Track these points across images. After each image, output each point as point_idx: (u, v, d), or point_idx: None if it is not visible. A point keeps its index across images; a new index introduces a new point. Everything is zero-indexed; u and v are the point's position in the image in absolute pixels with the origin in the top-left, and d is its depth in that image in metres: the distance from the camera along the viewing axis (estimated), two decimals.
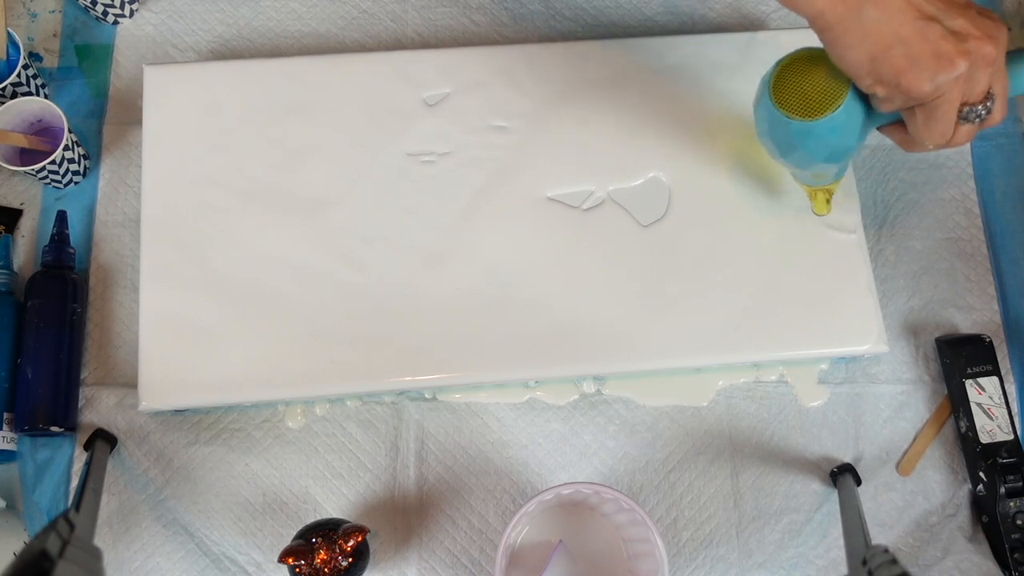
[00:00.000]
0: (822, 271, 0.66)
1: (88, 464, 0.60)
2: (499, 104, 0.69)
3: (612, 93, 0.69)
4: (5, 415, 0.64)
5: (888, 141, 0.75)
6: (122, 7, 0.74)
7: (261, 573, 0.63)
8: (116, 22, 0.76)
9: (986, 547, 0.65)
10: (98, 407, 0.66)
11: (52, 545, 0.45)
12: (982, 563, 0.65)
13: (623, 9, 0.78)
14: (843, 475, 0.65)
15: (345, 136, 0.68)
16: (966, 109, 0.51)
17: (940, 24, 0.48)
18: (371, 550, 0.59)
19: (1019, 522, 0.64)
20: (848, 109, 0.54)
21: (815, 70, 0.54)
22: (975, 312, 0.71)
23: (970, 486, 0.67)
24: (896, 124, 0.56)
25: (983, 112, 0.51)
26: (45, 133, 0.70)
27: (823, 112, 0.54)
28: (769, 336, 0.64)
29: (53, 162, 0.66)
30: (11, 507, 0.64)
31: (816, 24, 0.50)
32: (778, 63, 0.56)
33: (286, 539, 0.62)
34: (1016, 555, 0.63)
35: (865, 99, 0.54)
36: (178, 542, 0.64)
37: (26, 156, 0.69)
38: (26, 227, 0.71)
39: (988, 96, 0.51)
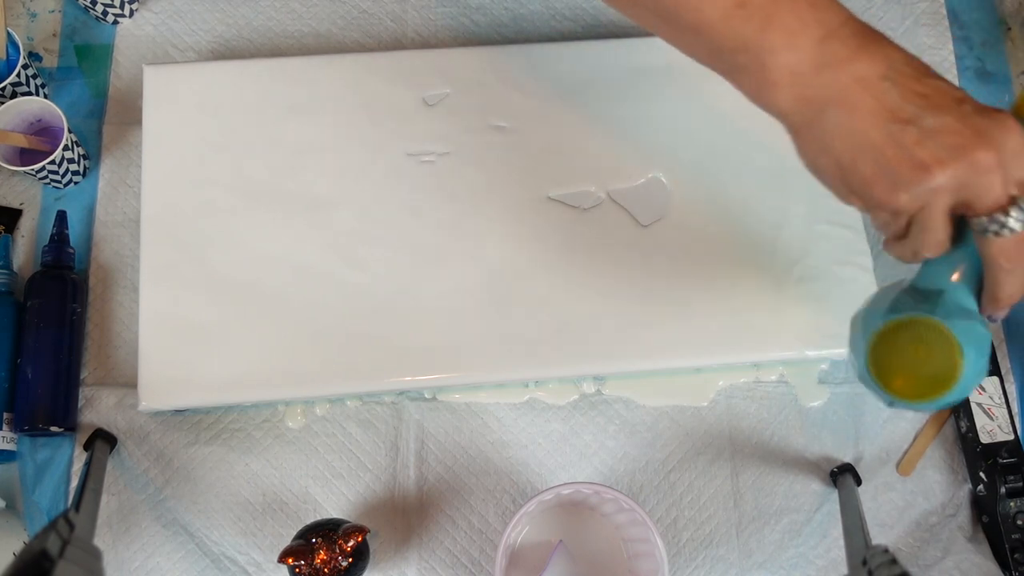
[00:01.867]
0: (822, 271, 0.66)
1: (88, 464, 0.60)
2: (499, 104, 0.69)
3: (612, 93, 0.69)
4: (5, 415, 0.64)
5: None
6: (122, 7, 0.74)
7: (261, 573, 0.63)
8: (116, 22, 0.76)
9: (986, 547, 0.65)
10: (98, 407, 0.66)
11: (52, 545, 0.45)
12: (982, 563, 0.65)
13: None
14: (843, 475, 0.65)
15: (345, 136, 0.68)
16: (980, 222, 0.42)
17: (917, 127, 0.41)
18: (371, 550, 0.59)
19: (1019, 522, 0.64)
20: (964, 379, 0.46)
21: (919, 345, 0.46)
22: None
23: (970, 486, 0.67)
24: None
25: (1008, 221, 0.42)
26: (45, 133, 0.70)
27: (939, 393, 0.46)
28: (769, 336, 0.64)
29: (53, 162, 0.66)
30: (11, 507, 0.64)
31: (785, 125, 0.45)
32: (874, 331, 0.48)
33: (286, 539, 0.62)
34: (1016, 555, 0.63)
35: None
36: (178, 542, 0.64)
37: (26, 156, 0.69)
38: (26, 227, 0.71)
39: (1013, 202, 0.42)
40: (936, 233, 0.44)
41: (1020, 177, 0.42)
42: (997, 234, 0.42)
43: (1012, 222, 0.42)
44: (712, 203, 0.67)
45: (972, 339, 0.46)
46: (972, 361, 0.46)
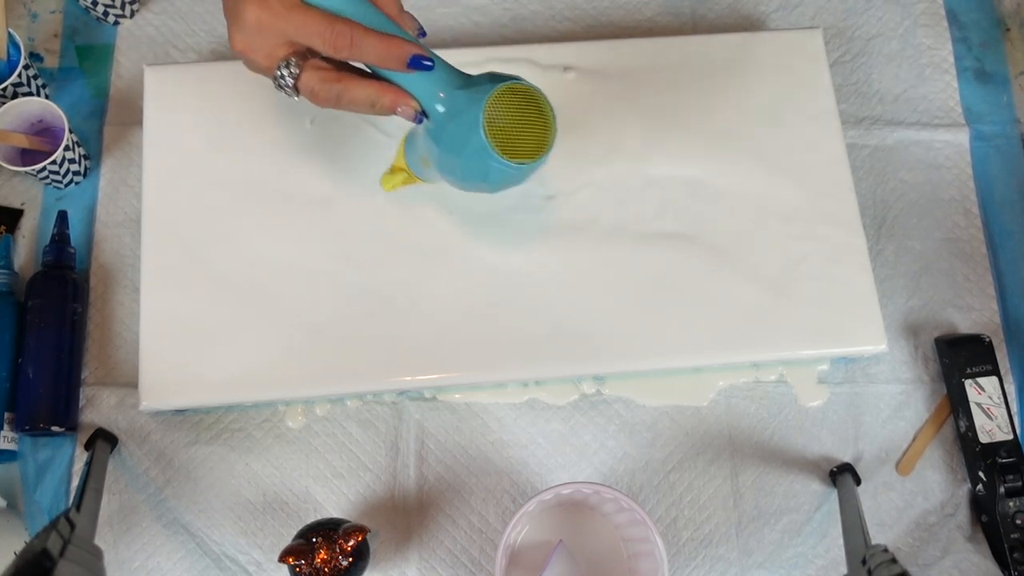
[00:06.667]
0: (822, 271, 0.66)
1: (89, 464, 0.60)
2: None
3: (612, 93, 0.69)
4: (6, 415, 0.64)
5: (888, 141, 0.75)
6: (123, 8, 0.74)
7: (262, 573, 0.63)
8: (117, 22, 0.76)
9: (985, 547, 0.65)
10: (99, 407, 0.66)
11: (53, 544, 0.45)
12: (981, 563, 0.65)
13: (623, 9, 0.78)
14: (843, 475, 0.65)
15: (345, 136, 0.68)
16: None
17: None
18: (371, 550, 0.59)
19: (1018, 522, 0.64)
20: None
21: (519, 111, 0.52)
22: (974, 312, 0.71)
23: (969, 486, 0.67)
24: None
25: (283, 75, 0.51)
26: (46, 133, 0.70)
27: (546, 147, 0.53)
28: (769, 336, 0.65)
29: (54, 162, 0.66)
30: (12, 507, 0.64)
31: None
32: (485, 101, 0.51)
33: (286, 539, 0.62)
34: (1015, 555, 0.63)
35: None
36: (179, 542, 0.64)
37: (27, 156, 0.69)
38: (27, 227, 0.71)
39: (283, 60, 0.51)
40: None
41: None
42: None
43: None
44: (711, 203, 0.67)
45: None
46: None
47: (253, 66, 0.53)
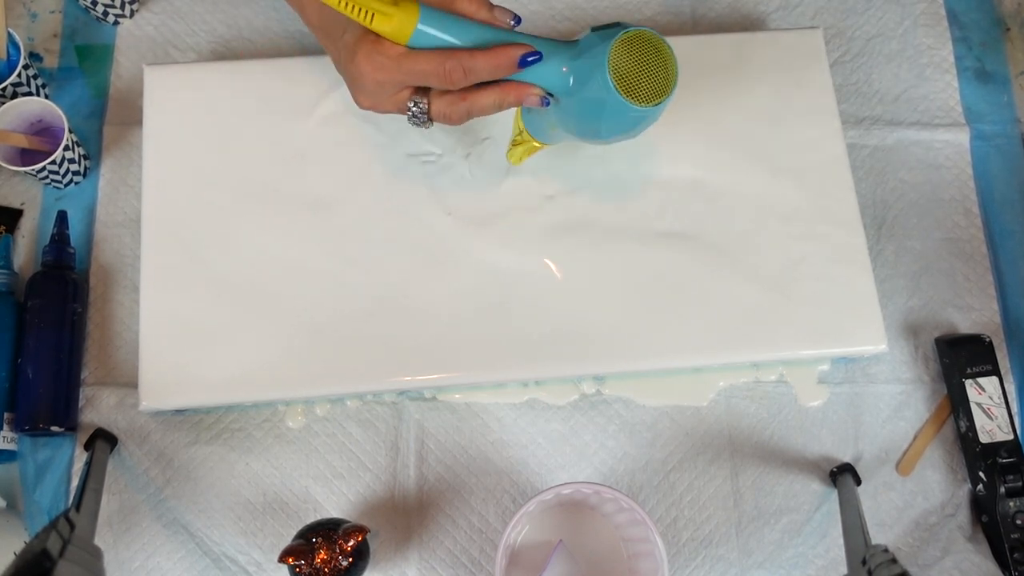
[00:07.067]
0: (822, 271, 0.66)
1: (88, 464, 0.60)
2: None
3: None
4: (6, 415, 0.64)
5: (888, 141, 0.75)
6: (122, 7, 0.74)
7: (261, 573, 0.63)
8: (116, 22, 0.76)
9: (985, 547, 0.65)
10: (98, 407, 0.66)
11: (53, 544, 0.45)
12: (981, 563, 0.65)
13: (623, 9, 0.78)
14: (843, 475, 0.65)
15: (345, 136, 0.68)
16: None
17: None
18: (371, 550, 0.59)
19: (1018, 522, 0.64)
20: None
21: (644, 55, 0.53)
22: (975, 312, 0.71)
23: (970, 486, 0.67)
24: None
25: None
26: (45, 133, 0.70)
27: (668, 91, 0.53)
28: (769, 336, 0.64)
29: (53, 162, 0.66)
30: (12, 507, 0.64)
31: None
32: (610, 45, 0.53)
33: (286, 539, 0.62)
34: (1016, 555, 0.63)
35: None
36: (178, 542, 0.64)
37: (26, 156, 0.69)
38: (26, 227, 0.71)
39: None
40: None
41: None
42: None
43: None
44: (711, 203, 0.67)
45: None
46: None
47: (384, 111, 0.57)
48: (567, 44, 0.55)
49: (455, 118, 0.55)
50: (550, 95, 0.55)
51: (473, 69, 0.52)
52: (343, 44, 0.55)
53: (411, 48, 0.52)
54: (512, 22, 0.55)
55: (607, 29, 0.54)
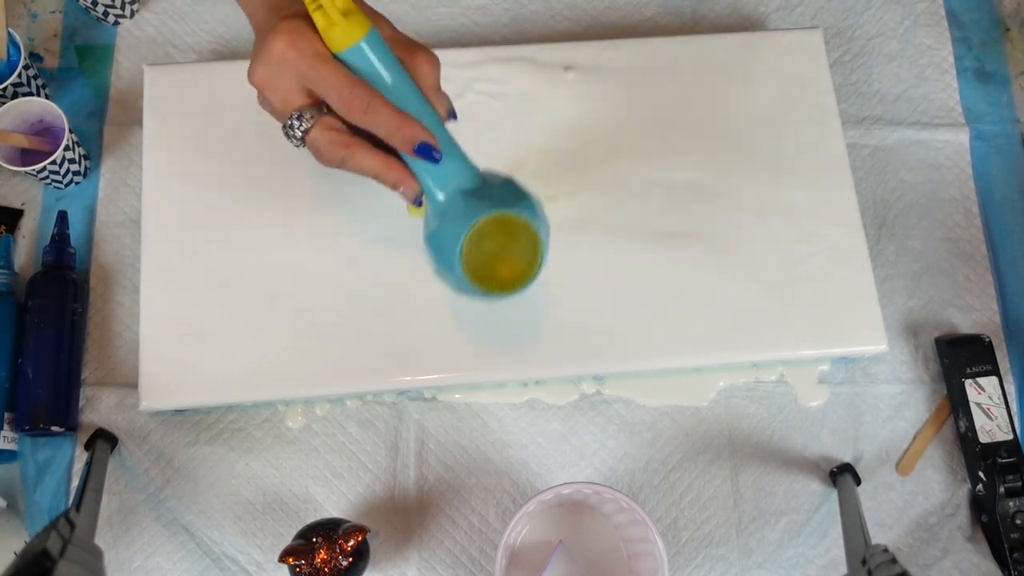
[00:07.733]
0: (822, 271, 0.66)
1: (89, 464, 0.60)
2: (498, 104, 0.69)
3: (612, 93, 0.69)
4: (6, 415, 0.64)
5: (889, 141, 0.75)
6: (123, 8, 0.74)
7: (261, 573, 0.63)
8: (117, 22, 0.76)
9: (985, 547, 0.65)
10: (99, 407, 0.66)
11: (53, 544, 0.45)
12: (981, 563, 0.65)
13: (623, 9, 0.78)
14: (843, 475, 0.65)
15: None
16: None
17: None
18: (371, 550, 0.59)
19: (1018, 522, 0.64)
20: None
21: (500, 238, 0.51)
22: (975, 312, 0.71)
23: (969, 486, 0.67)
24: None
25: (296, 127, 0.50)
26: (46, 133, 0.70)
27: (533, 272, 0.52)
28: (769, 336, 0.64)
29: (54, 162, 0.66)
30: (12, 507, 0.64)
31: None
32: (463, 234, 0.50)
33: (286, 539, 0.62)
34: (1015, 555, 0.63)
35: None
36: (178, 542, 0.64)
37: (27, 156, 0.69)
38: (27, 227, 0.71)
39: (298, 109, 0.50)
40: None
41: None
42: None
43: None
44: (711, 203, 0.67)
45: (536, 214, 0.52)
46: (544, 228, 0.52)
47: (267, 106, 0.51)
48: (473, 173, 0.52)
49: (326, 158, 0.51)
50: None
51: (376, 113, 0.48)
52: (275, 6, 0.50)
53: (336, 56, 0.48)
54: (446, 115, 0.52)
55: (484, 194, 0.51)
